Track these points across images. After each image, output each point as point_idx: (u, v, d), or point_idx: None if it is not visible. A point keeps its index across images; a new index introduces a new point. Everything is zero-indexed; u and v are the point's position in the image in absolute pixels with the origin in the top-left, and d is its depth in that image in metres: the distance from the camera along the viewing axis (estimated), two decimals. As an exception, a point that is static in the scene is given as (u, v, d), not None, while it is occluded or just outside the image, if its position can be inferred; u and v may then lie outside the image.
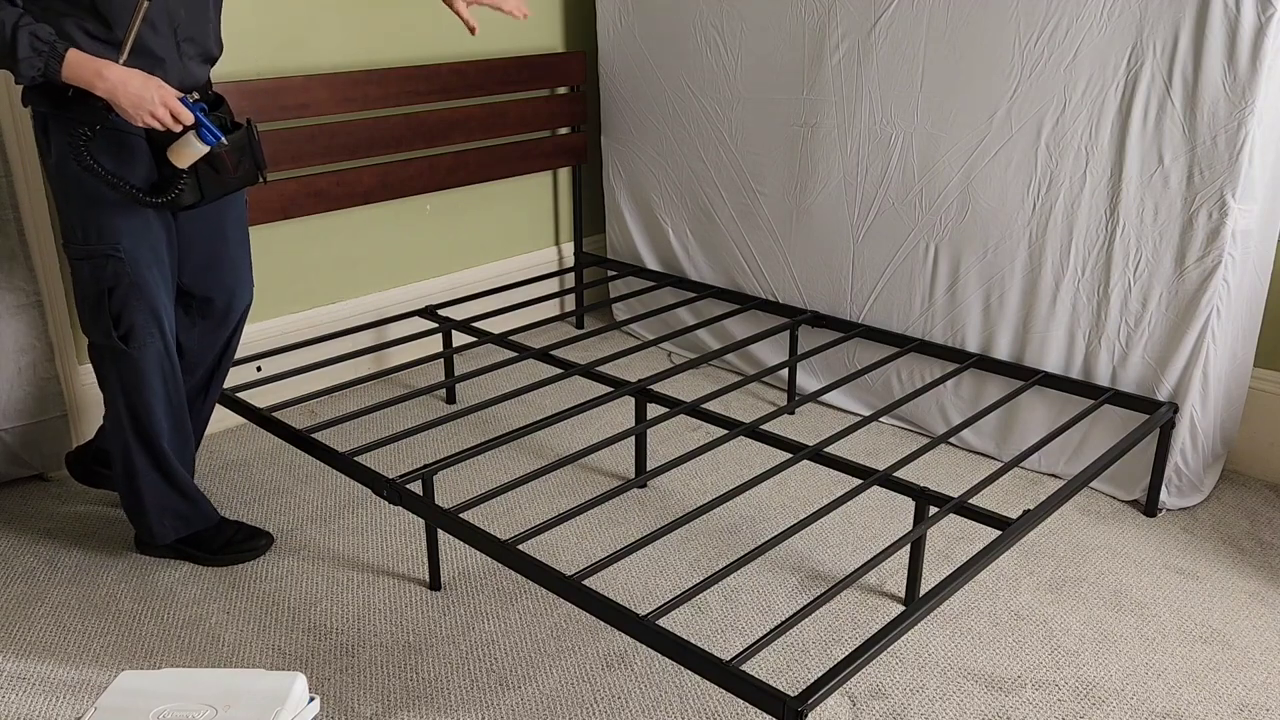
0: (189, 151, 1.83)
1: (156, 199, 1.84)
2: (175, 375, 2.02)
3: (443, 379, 2.94)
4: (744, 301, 2.98)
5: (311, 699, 1.41)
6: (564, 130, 3.33)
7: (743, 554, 1.85)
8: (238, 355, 2.65)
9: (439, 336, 2.95)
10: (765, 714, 1.57)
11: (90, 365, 2.48)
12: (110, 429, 2.04)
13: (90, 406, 2.49)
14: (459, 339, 3.09)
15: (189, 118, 1.78)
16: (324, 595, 2.05)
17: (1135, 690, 1.79)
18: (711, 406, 2.76)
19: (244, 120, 1.92)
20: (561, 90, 3.29)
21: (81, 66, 1.69)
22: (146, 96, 1.73)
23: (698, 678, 1.80)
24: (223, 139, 1.83)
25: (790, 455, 2.09)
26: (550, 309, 3.49)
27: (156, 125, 1.75)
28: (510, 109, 3.09)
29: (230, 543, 2.15)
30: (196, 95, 1.88)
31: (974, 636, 1.93)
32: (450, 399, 2.92)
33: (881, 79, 2.57)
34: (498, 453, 2.59)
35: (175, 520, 2.11)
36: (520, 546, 1.74)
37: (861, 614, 1.99)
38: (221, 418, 2.72)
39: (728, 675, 1.45)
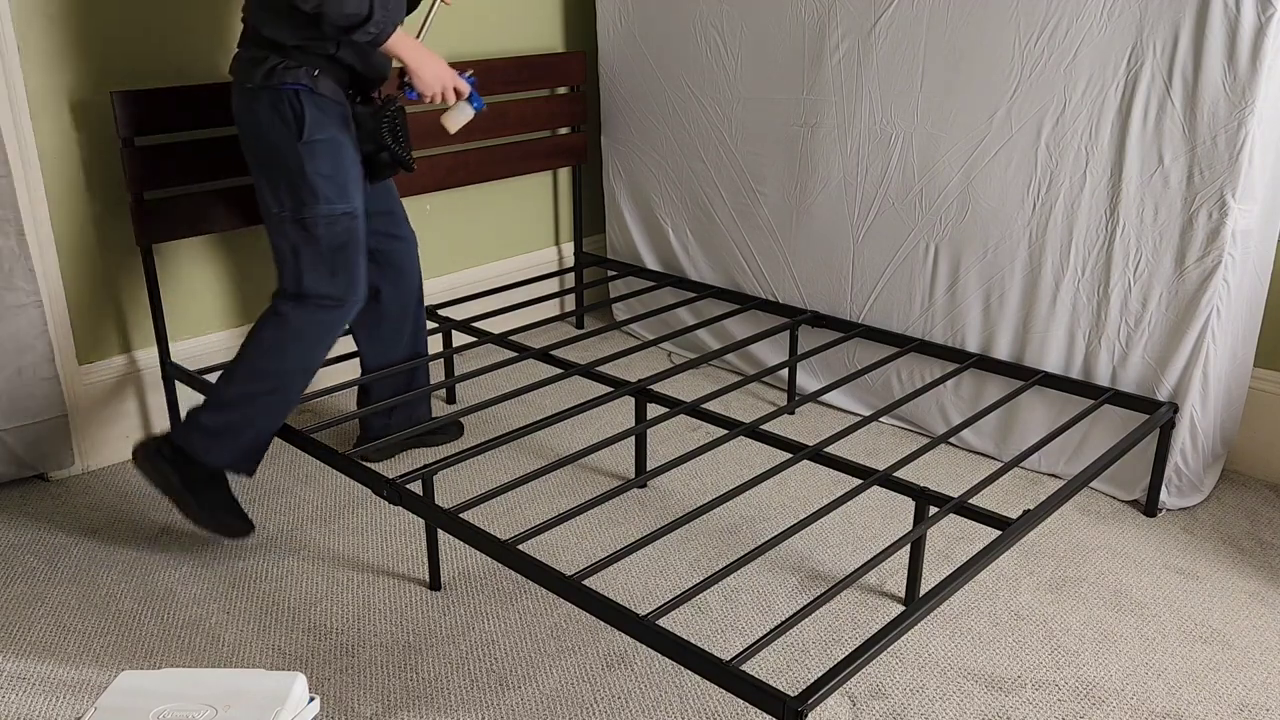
0: (461, 117, 2.25)
1: (410, 162, 2.22)
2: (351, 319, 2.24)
3: (443, 379, 2.94)
4: (744, 301, 2.97)
5: (311, 699, 1.41)
6: (564, 130, 3.33)
7: (743, 554, 1.85)
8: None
9: (439, 336, 2.95)
10: (765, 714, 1.57)
11: (93, 363, 2.49)
12: (253, 364, 2.13)
13: (90, 407, 2.50)
14: (459, 339, 3.09)
15: (466, 89, 2.19)
16: (324, 595, 2.05)
17: (1135, 690, 1.79)
18: (711, 406, 2.76)
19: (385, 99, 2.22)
20: (561, 90, 3.29)
21: (402, 38, 2.07)
22: (445, 72, 2.15)
23: (698, 678, 1.80)
24: (484, 105, 2.27)
25: (790, 455, 2.09)
26: (550, 309, 3.49)
27: (442, 97, 2.15)
28: (510, 109, 3.09)
29: (219, 506, 2.14)
30: (470, 70, 2.22)
31: (974, 636, 1.93)
32: (450, 399, 2.92)
33: (881, 79, 2.57)
34: (498, 453, 2.59)
35: (235, 453, 2.13)
36: (520, 546, 1.74)
37: (861, 614, 1.99)
38: (221, 418, 2.72)
39: (728, 675, 1.45)
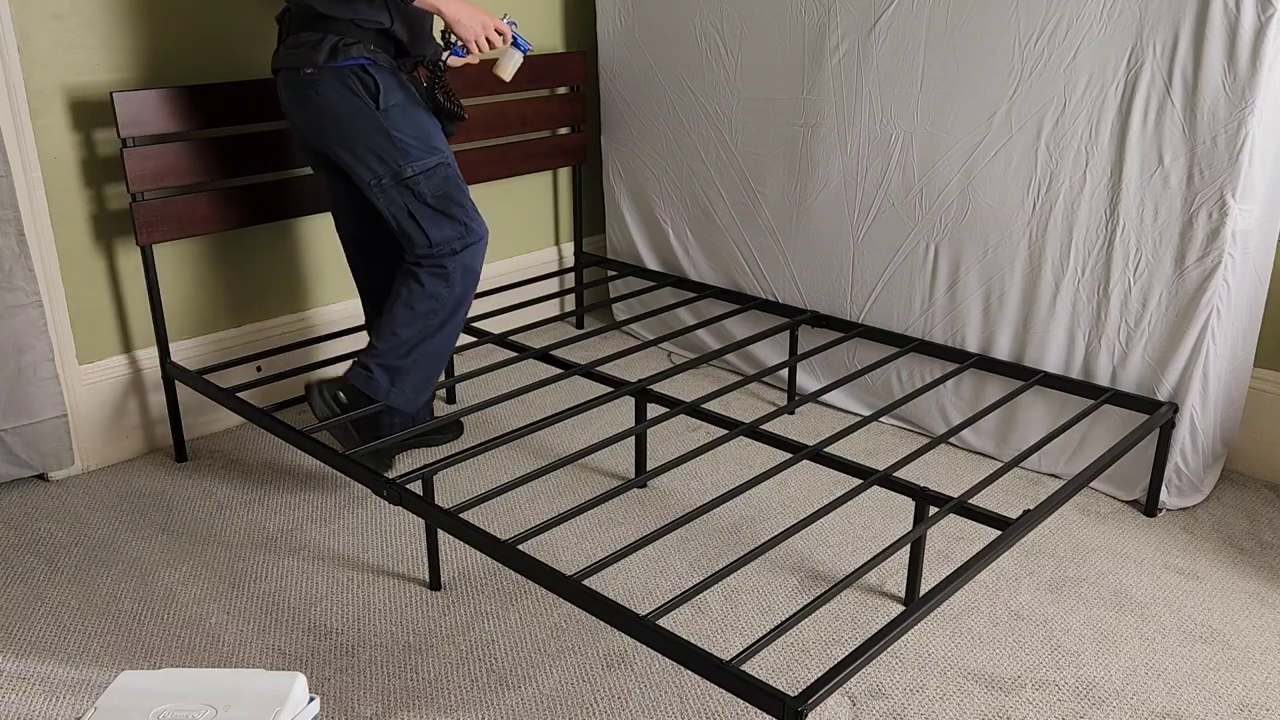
0: (512, 63, 2.32)
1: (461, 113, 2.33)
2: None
3: (443, 379, 2.94)
4: (744, 301, 2.97)
5: (311, 699, 1.41)
6: (564, 130, 3.33)
7: (743, 554, 1.85)
8: (238, 355, 2.67)
9: (439, 336, 2.95)
10: (765, 714, 1.57)
11: (93, 363, 2.49)
12: (414, 309, 2.25)
13: (90, 407, 2.50)
14: (459, 339, 3.09)
15: (508, 31, 2.25)
16: (324, 595, 2.05)
17: (1135, 690, 1.79)
18: (711, 406, 2.76)
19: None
20: (561, 90, 3.29)
21: None
22: (484, 19, 2.21)
23: (698, 678, 1.80)
24: (530, 47, 2.33)
25: (790, 455, 2.09)
26: (550, 309, 3.49)
27: (486, 44, 2.22)
28: (510, 109, 3.09)
29: (381, 446, 2.21)
30: (505, 13, 2.31)
31: (974, 636, 1.93)
32: (450, 399, 2.92)
33: (881, 79, 2.57)
34: (498, 453, 2.59)
35: (406, 391, 2.29)
36: (520, 546, 1.74)
37: (861, 614, 1.99)
38: (222, 417, 2.72)
39: (728, 675, 1.45)
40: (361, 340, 2.91)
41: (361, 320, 2.95)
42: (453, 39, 2.24)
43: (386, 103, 2.15)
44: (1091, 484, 2.35)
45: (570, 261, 3.54)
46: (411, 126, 2.19)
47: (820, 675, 1.45)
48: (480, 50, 2.25)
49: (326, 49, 2.11)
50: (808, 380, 2.94)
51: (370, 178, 2.20)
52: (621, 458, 2.57)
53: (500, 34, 2.26)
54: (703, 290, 3.07)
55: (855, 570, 1.66)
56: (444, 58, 2.26)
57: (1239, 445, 2.50)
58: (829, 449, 2.32)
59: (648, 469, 2.43)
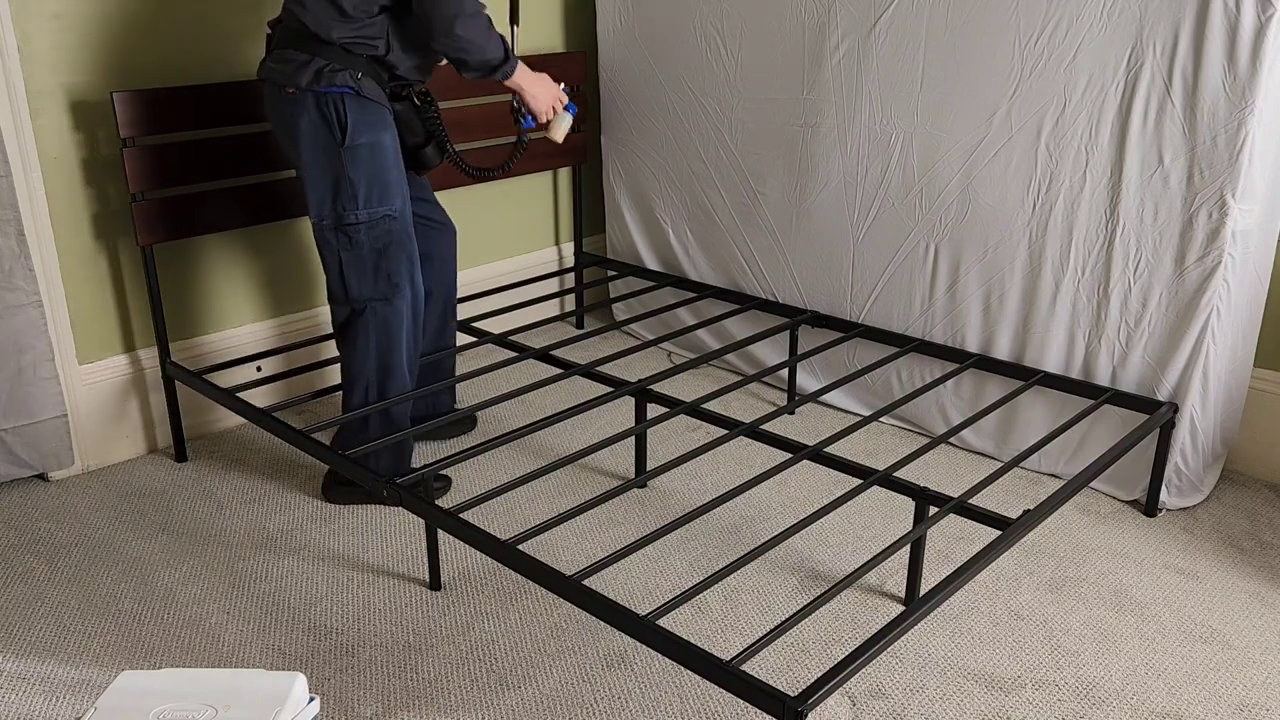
0: (564, 126, 2.45)
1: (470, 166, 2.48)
2: (419, 315, 2.32)
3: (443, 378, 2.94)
4: (744, 301, 2.97)
5: (311, 699, 1.41)
6: (564, 130, 3.33)
7: (743, 554, 1.85)
8: (238, 355, 2.67)
9: (439, 336, 2.95)
10: (765, 714, 1.57)
11: (93, 363, 2.49)
12: (354, 381, 2.27)
13: (90, 407, 2.50)
14: (459, 339, 3.09)
15: (564, 100, 2.42)
16: (324, 595, 2.05)
17: (1135, 690, 1.79)
18: (711, 406, 2.76)
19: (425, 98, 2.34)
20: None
21: (520, 68, 2.26)
22: (553, 88, 2.37)
23: (698, 678, 1.80)
24: (576, 108, 2.48)
25: (790, 455, 2.09)
26: (550, 309, 3.49)
27: (551, 113, 2.39)
28: (511, 109, 3.08)
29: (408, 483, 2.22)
30: (563, 82, 2.42)
31: (974, 636, 1.93)
32: (450, 399, 2.91)
33: (881, 79, 2.57)
34: (498, 453, 2.59)
35: (390, 459, 2.31)
36: (520, 546, 1.74)
37: (861, 614, 1.99)
38: (221, 417, 2.72)
39: (728, 675, 1.45)
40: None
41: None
42: (523, 111, 2.37)
43: (353, 140, 2.10)
44: (1091, 484, 2.35)
45: (570, 261, 3.54)
46: (371, 170, 2.14)
47: (820, 675, 1.45)
48: (545, 119, 2.41)
49: (311, 72, 2.06)
50: (808, 380, 2.94)
51: (315, 214, 2.18)
52: (621, 458, 2.57)
53: (560, 100, 2.40)
54: (703, 290, 3.07)
55: (855, 570, 1.66)
56: (523, 136, 2.50)
57: (1239, 445, 2.50)
58: (829, 449, 2.32)
59: (648, 469, 2.43)
